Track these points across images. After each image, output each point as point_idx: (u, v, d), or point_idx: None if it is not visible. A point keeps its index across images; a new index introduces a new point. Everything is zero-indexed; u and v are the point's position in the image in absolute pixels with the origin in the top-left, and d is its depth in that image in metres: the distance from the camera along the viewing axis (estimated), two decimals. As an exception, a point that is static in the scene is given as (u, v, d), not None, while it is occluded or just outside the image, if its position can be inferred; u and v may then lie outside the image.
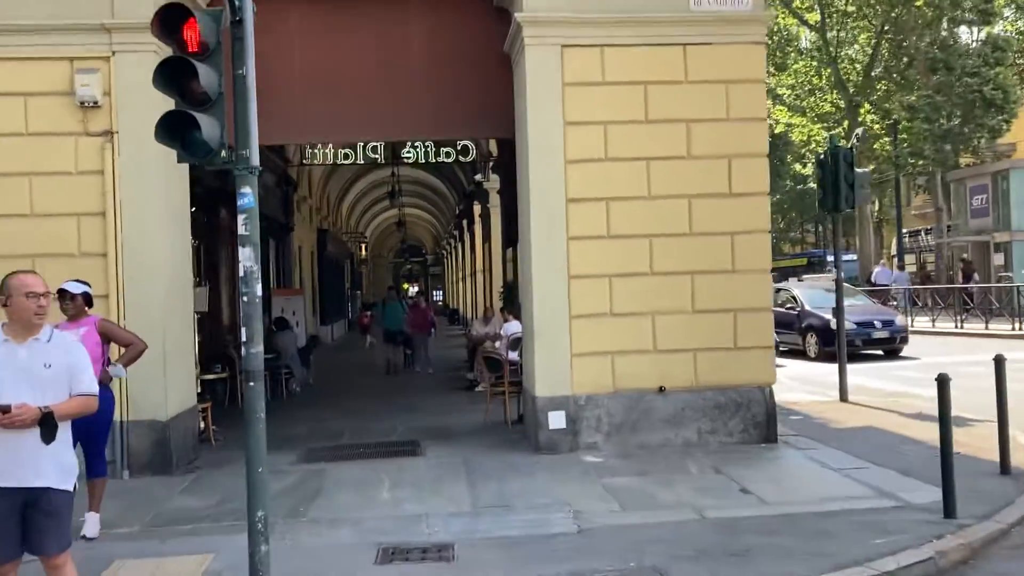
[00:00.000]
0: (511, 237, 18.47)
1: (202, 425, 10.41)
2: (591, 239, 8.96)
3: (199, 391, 10.67)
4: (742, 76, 9.11)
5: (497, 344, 14.40)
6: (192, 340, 9.66)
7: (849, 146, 13.18)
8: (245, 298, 5.09)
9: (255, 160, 5.14)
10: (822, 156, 12.27)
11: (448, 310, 51.44)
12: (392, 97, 9.94)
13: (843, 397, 11.87)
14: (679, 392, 9.00)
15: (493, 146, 23.47)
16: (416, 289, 72.80)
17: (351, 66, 9.93)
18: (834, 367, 12.30)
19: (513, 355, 14.08)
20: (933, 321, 24.05)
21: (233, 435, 10.88)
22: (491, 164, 23.72)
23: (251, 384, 5.11)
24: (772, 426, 9.13)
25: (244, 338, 5.05)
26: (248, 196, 5.14)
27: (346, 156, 22.50)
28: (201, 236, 14.24)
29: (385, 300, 19.96)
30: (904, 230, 38.57)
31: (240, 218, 5.14)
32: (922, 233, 42.47)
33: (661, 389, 8.96)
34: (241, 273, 5.11)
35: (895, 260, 35.84)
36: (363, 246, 45.88)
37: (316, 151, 22.19)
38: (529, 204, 9.03)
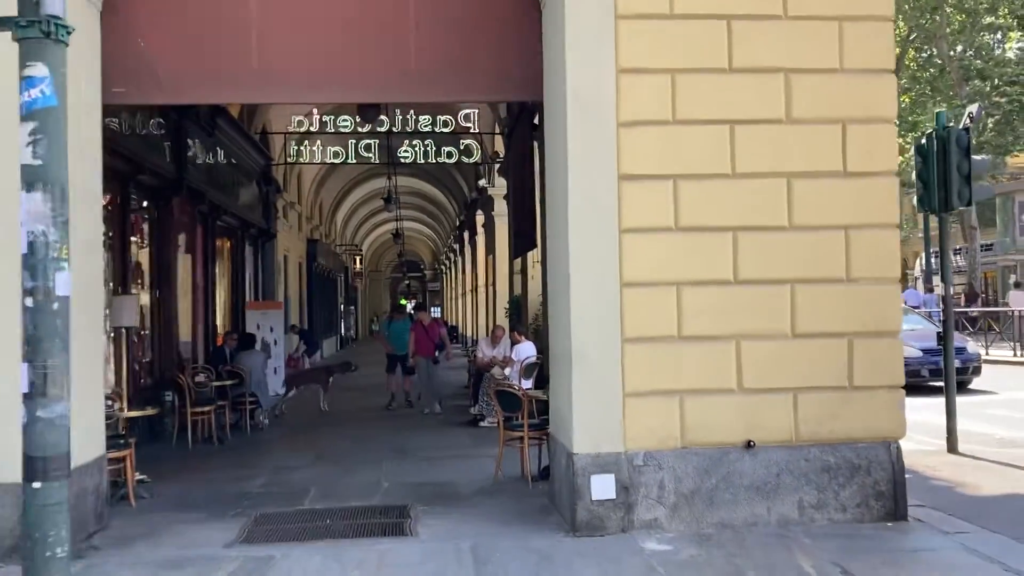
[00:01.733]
0: (520, 246, 15.93)
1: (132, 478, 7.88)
2: (652, 232, 6.42)
3: (121, 432, 8.10)
4: (861, 11, 6.61)
5: (507, 371, 11.81)
6: (100, 367, 7.07)
7: (963, 127, 10.51)
8: (30, 300, 2.52)
9: (55, 7, 2.55)
10: (923, 142, 9.71)
11: (447, 327, 48.88)
12: (379, 46, 7.43)
13: (952, 447, 9.29)
14: (773, 449, 6.43)
15: (500, 145, 21.03)
16: (413, 304, 70.36)
17: (329, 4, 7.44)
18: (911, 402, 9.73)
19: (526, 384, 11.53)
20: (986, 348, 21.49)
21: (173, 487, 8.30)
22: (497, 167, 21.27)
23: (35, 484, 2.53)
24: (901, 497, 6.53)
25: (29, 381, 2.48)
26: (40, 79, 2.55)
27: (336, 155, 20.02)
28: (148, 230, 11.70)
29: (392, 318, 16.70)
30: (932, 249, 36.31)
31: (23, 131, 2.54)
32: (952, 253, 40.05)
33: (749, 444, 6.39)
34: (24, 249, 2.53)
35: (918, 281, 33.58)
36: (358, 259, 43.22)
37: (303, 148, 19.73)
38: (567, 184, 6.47)
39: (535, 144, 14.69)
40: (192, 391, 11.52)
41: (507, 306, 19.54)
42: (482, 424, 11.92)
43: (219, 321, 16.37)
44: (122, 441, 7.70)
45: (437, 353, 14.18)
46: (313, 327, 29.80)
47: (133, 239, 11.17)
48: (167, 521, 7.01)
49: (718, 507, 6.34)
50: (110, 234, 10.42)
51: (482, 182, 24.08)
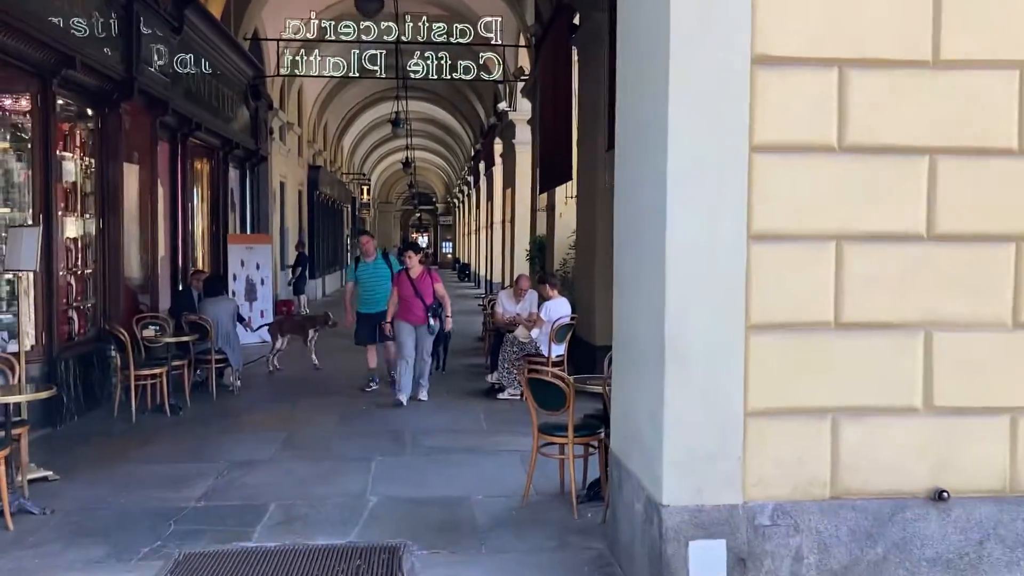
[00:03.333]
0: (549, 178, 13.46)
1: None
2: (802, 153, 3.97)
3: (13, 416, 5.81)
4: None
5: (534, 333, 9.47)
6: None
7: None
8: None
9: None
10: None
11: (458, 264, 46.51)
12: None
13: None
14: (976, 502, 4.08)
15: (525, 60, 18.36)
16: (424, 241, 67.54)
17: None
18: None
19: (558, 350, 9.18)
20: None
21: (83, 491, 6.08)
22: (521, 86, 18.62)
23: None
24: None
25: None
26: None
27: (337, 67, 17.47)
28: (88, 143, 9.27)
29: (359, 255, 10.86)
30: None
31: None
32: None
33: (940, 496, 4.04)
34: None
35: None
36: (365, 189, 40.71)
37: (299, 59, 17.14)
38: (665, 75, 3.98)
39: (573, 53, 12.13)
40: (139, 347, 9.24)
41: (528, 248, 17.11)
42: (501, 396, 9.63)
43: (199, 258, 14.05)
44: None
45: (431, 321, 9.28)
46: (314, 260, 27.51)
47: (66, 154, 8.76)
48: (43, 567, 4.75)
49: (888, 594, 4.01)
50: (27, 144, 8.02)
51: (502, 105, 21.44)
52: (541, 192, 14.60)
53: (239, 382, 10.29)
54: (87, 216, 9.23)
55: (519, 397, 9.55)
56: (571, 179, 11.61)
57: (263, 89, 17.09)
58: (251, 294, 15.10)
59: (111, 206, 9.53)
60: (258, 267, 15.19)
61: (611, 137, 9.35)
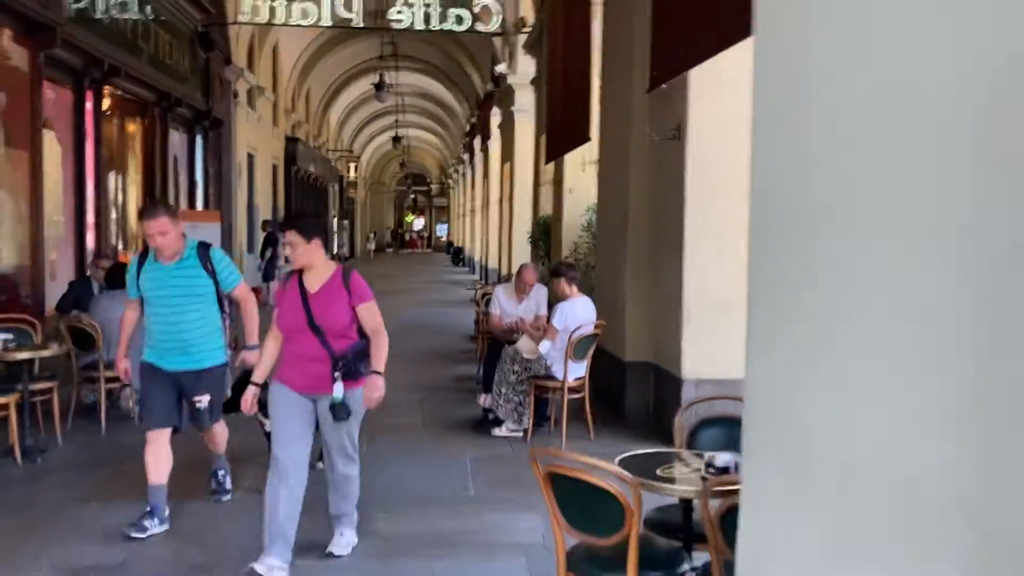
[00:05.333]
0: (558, 144, 10.75)
1: None
2: None
3: None
4: None
5: (543, 347, 6.84)
6: None
7: None
8: None
9: None
10: None
11: (452, 248, 43.81)
12: None
13: None
14: None
15: (527, 8, 15.60)
16: (420, 224, 64.07)
17: None
18: None
19: (576, 369, 6.56)
20: None
21: None
22: (523, 39, 15.88)
23: None
24: None
25: None
26: None
27: (304, 14, 14.71)
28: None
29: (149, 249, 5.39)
30: None
31: None
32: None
33: None
34: None
35: None
36: (353, 167, 37.95)
37: (260, 3, 14.40)
38: None
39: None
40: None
41: (530, 231, 14.44)
42: (497, 433, 6.98)
43: (124, 239, 11.37)
44: None
45: (340, 390, 4.15)
46: (290, 244, 24.80)
47: None
48: None
49: None
50: None
51: (500, 67, 18.68)
52: (548, 161, 11.90)
53: (134, 406, 7.61)
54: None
55: (521, 436, 6.93)
56: (588, 140, 8.92)
57: (216, 38, 14.34)
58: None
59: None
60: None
61: (655, 73, 6.68)
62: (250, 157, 19.71)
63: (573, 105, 9.69)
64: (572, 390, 6.85)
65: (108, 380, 7.30)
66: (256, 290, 18.48)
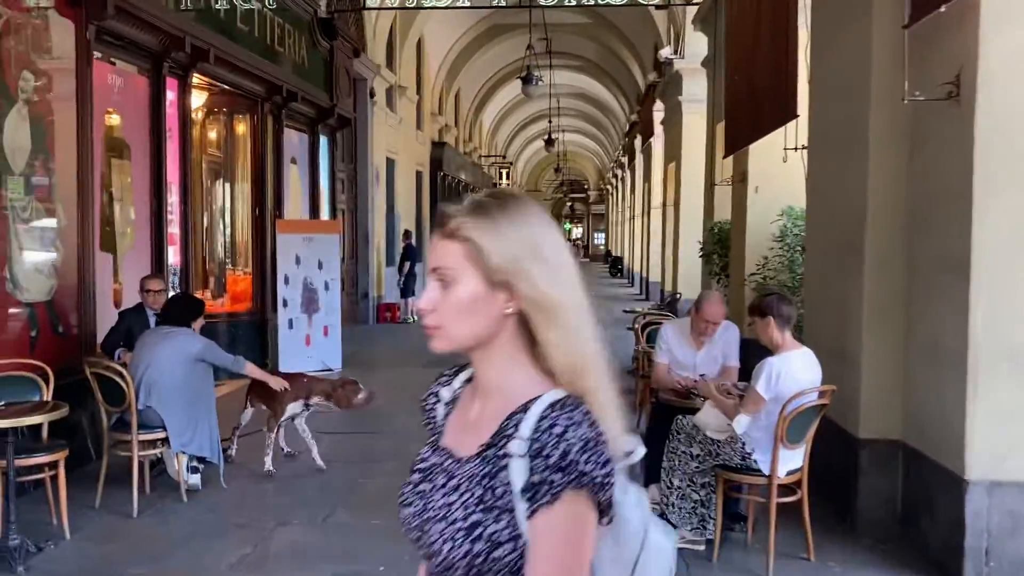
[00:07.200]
0: (742, 133, 8.30)
1: None
2: None
3: None
4: None
5: (741, 425, 4.43)
6: None
7: None
8: None
9: None
10: None
11: (610, 257, 41.38)
12: None
13: None
14: None
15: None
16: (577, 232, 61.53)
17: None
18: None
19: (791, 459, 4.12)
20: None
21: None
22: (693, 13, 13.41)
23: None
24: None
25: None
26: None
27: (441, -6, 12.88)
28: None
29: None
30: None
31: None
32: None
33: None
34: None
35: None
36: (505, 173, 36.32)
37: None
38: None
39: None
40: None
41: (701, 241, 11.95)
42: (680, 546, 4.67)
43: (218, 255, 9.83)
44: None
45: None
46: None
47: None
48: None
49: None
50: None
51: (665, 52, 16.25)
52: (728, 154, 9.43)
53: (196, 476, 5.80)
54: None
55: (704, 550, 4.63)
56: (795, 117, 6.44)
57: (341, 27, 12.69)
58: (310, 304, 10.75)
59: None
60: (321, 266, 10.82)
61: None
62: (389, 162, 18.16)
63: (767, 77, 7.24)
64: (783, 488, 4.47)
65: (150, 442, 5.53)
66: (393, 307, 16.99)
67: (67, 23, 6.33)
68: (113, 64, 7.27)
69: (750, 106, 8.02)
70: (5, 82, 5.58)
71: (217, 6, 8.72)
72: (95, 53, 6.62)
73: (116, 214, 7.42)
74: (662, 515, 4.78)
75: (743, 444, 4.44)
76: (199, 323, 5.90)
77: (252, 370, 6.06)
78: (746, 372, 4.95)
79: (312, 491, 5.96)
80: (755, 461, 4.43)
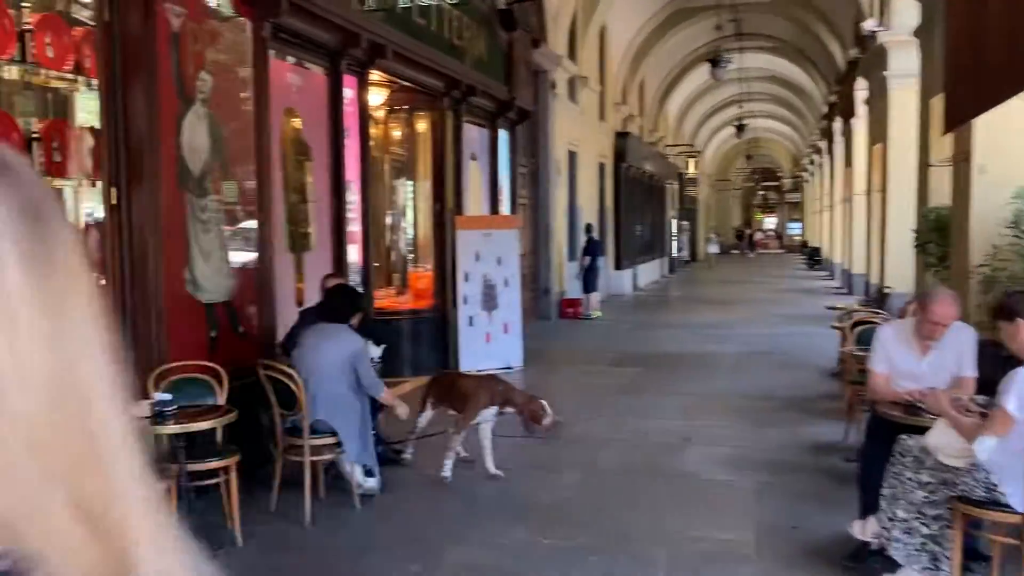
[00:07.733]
0: (974, 95, 7.27)
1: None
2: None
3: None
4: None
5: (983, 449, 3.63)
6: None
7: None
8: None
9: None
10: None
11: (807, 248, 39.17)
12: None
13: None
14: None
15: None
16: (771, 223, 58.37)
17: None
18: None
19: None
20: None
21: None
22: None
23: None
24: None
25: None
26: None
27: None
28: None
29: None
30: None
31: None
32: None
33: None
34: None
35: None
36: (692, 162, 35.17)
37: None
38: None
39: None
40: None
41: (915, 229, 10.74)
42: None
43: (396, 250, 9.77)
44: None
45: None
46: (620, 249, 22.67)
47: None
48: None
49: None
50: None
51: (869, 24, 14.90)
52: (949, 130, 8.32)
53: (372, 480, 5.60)
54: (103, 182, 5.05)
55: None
56: (1040, 81, 5.45)
57: (520, 17, 12.40)
58: (489, 301, 10.53)
59: (130, 162, 5.25)
60: (499, 262, 10.58)
61: None
62: (571, 155, 17.79)
63: (1002, 37, 6.24)
64: (1035, 527, 3.67)
65: (320, 448, 5.39)
66: (575, 302, 16.60)
67: (243, 21, 6.32)
68: (290, 63, 7.26)
69: (976, 75, 6.97)
70: (183, 83, 5.59)
71: (393, 0, 8.60)
72: (271, 51, 6.58)
73: (298, 214, 7.42)
74: (882, 550, 4.09)
75: (987, 473, 3.67)
76: (357, 318, 5.71)
77: (387, 397, 5.73)
78: (984, 384, 4.15)
79: (488, 503, 5.63)
80: (1003, 495, 3.65)
